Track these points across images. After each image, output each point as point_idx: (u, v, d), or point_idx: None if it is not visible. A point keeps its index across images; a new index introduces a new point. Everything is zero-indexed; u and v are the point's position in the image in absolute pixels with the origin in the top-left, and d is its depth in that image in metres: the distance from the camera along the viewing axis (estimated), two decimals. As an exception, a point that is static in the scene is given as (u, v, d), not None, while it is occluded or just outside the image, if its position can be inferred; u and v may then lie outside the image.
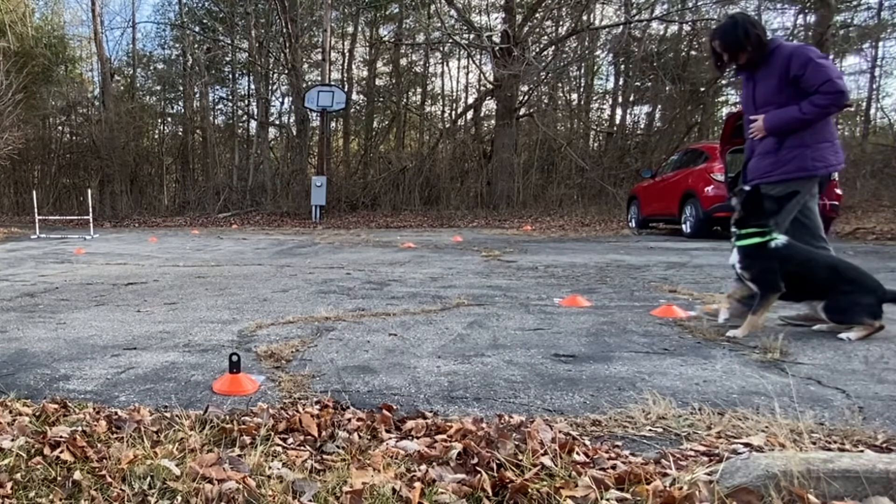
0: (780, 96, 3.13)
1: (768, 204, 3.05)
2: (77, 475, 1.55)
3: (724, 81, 17.62)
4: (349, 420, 1.93)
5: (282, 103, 23.44)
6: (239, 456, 1.66)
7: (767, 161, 3.24)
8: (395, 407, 2.08)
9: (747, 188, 3.14)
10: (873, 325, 2.90)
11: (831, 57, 16.04)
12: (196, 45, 22.87)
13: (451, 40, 19.00)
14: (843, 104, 3.05)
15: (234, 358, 2.38)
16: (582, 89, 22.00)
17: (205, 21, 24.15)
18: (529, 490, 1.42)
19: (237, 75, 24.33)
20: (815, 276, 2.98)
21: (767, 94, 3.19)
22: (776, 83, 3.14)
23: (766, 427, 1.82)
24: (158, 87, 24.84)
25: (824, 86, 2.97)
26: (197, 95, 23.03)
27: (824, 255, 3.14)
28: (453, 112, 23.02)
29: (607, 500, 1.37)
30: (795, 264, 2.99)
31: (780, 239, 3.01)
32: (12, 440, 1.77)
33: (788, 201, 3.12)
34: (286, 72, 20.78)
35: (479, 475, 1.48)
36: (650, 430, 1.89)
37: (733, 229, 3.17)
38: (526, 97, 18.99)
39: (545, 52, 18.56)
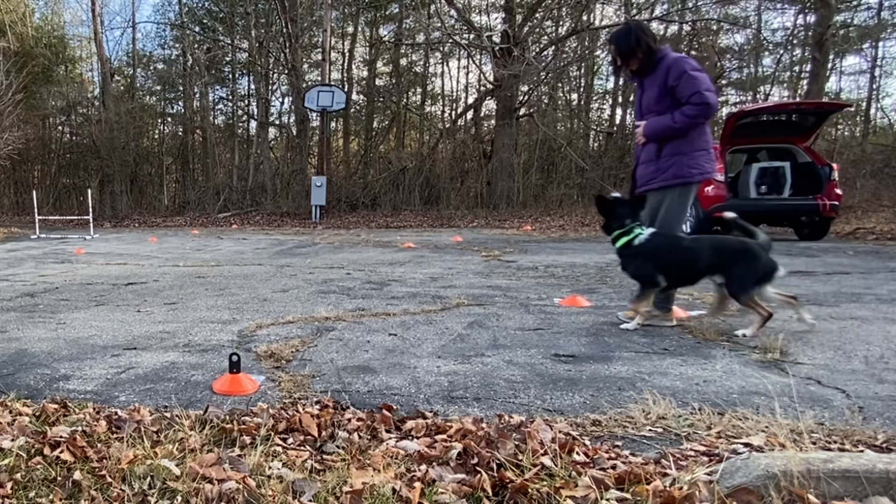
0: (660, 105, 3.29)
1: (619, 207, 3.32)
2: (77, 475, 1.55)
3: (723, 81, 17.62)
4: (349, 420, 1.93)
5: (282, 103, 23.44)
6: (239, 456, 1.66)
7: (650, 169, 3.42)
8: (395, 407, 2.08)
9: (604, 196, 3.42)
10: (722, 296, 3.12)
11: (831, 57, 16.06)
12: (196, 45, 22.84)
13: (451, 40, 18.96)
14: (711, 115, 3.21)
15: (234, 358, 2.38)
16: (582, 89, 21.96)
17: (205, 21, 24.13)
18: (529, 490, 1.41)
19: (237, 75, 24.32)
20: (697, 259, 3.14)
21: (650, 101, 3.36)
22: (657, 92, 3.29)
23: (766, 427, 1.82)
24: (158, 87, 24.81)
25: (693, 97, 3.13)
26: (197, 95, 23.02)
27: (693, 239, 3.32)
28: (453, 112, 22.99)
29: (607, 500, 1.37)
30: (667, 254, 3.17)
31: (642, 235, 3.20)
32: (12, 440, 1.77)
33: (645, 202, 3.37)
34: (286, 72, 20.76)
35: (479, 475, 1.48)
36: (650, 430, 1.89)
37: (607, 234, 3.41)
38: (526, 97, 18.95)
39: (545, 52, 18.53)
